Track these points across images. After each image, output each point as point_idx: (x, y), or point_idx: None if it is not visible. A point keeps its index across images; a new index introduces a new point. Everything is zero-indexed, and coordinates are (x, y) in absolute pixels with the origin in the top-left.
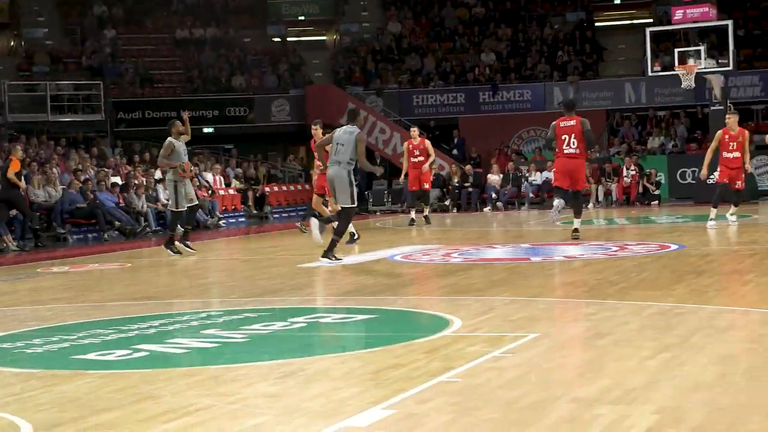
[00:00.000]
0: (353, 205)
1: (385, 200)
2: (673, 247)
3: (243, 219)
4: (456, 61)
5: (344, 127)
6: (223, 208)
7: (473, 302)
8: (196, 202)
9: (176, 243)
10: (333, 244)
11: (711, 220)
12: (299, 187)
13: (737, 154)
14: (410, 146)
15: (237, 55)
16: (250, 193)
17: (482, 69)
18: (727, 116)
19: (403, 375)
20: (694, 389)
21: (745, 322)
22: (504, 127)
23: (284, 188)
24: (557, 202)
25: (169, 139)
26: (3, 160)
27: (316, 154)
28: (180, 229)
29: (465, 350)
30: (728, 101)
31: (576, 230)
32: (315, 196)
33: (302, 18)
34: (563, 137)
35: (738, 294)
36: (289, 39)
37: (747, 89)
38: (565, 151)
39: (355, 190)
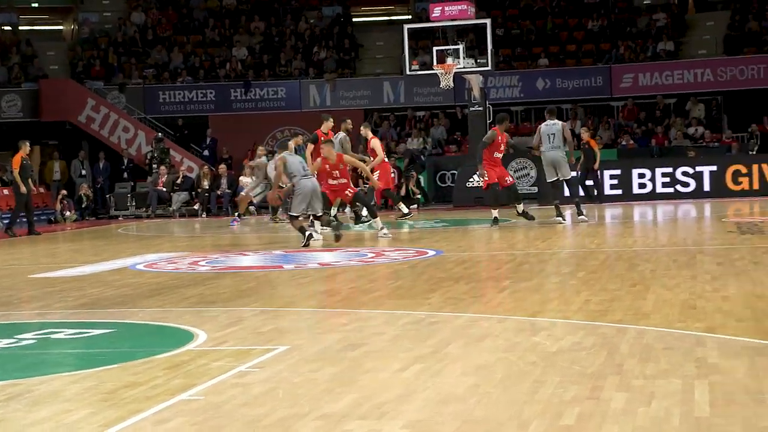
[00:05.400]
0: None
1: (128, 204)
2: (431, 253)
3: None
4: (206, 55)
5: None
6: None
7: (220, 314)
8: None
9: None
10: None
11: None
12: (34, 189)
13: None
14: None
15: None
16: None
17: (234, 64)
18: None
19: (140, 394)
20: (447, 401)
21: (501, 331)
22: (257, 126)
23: None
24: None
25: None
26: None
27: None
28: None
29: (209, 366)
30: (487, 102)
31: None
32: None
33: (36, 5)
34: None
35: (494, 301)
36: (21, 28)
37: (506, 90)
38: None
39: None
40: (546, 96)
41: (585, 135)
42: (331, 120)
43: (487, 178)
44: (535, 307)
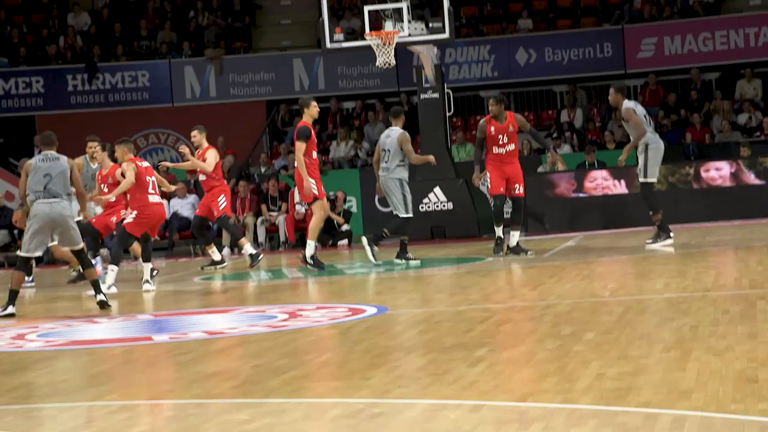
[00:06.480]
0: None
1: None
2: (371, 311)
3: None
4: (28, 26)
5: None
6: None
7: (60, 413)
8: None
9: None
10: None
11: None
12: None
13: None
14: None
15: None
16: None
17: (71, 38)
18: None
19: None
20: None
21: (476, 423)
22: (107, 129)
23: None
24: None
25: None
26: None
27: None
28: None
29: None
30: (445, 85)
31: None
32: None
33: None
34: None
35: (464, 380)
36: None
37: (473, 67)
38: None
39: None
40: (530, 74)
41: None
42: (315, 105)
43: (489, 185)
44: (525, 387)
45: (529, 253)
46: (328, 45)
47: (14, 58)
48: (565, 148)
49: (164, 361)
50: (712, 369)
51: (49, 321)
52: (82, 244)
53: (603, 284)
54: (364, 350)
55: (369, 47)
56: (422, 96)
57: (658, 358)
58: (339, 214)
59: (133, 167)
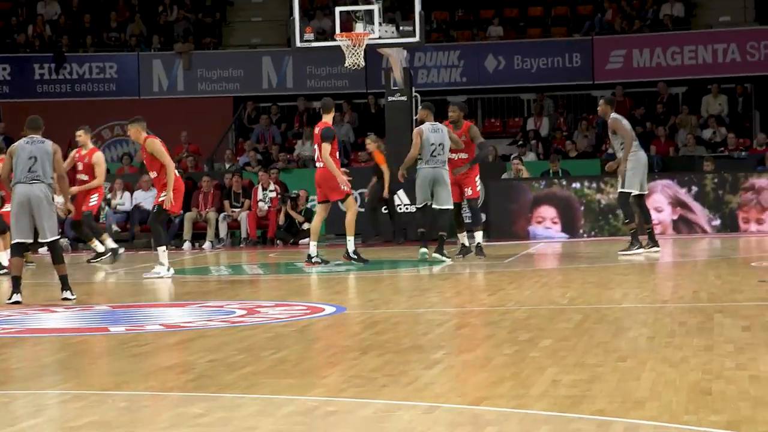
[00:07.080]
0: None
1: None
2: (329, 309)
3: None
4: None
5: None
6: None
7: (11, 400)
8: None
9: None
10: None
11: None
12: None
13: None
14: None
15: None
16: None
17: (38, 28)
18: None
19: None
20: None
21: (429, 425)
22: (73, 120)
23: None
24: None
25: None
26: None
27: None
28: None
29: None
30: (413, 89)
31: None
32: None
33: None
34: None
35: (420, 381)
36: None
37: (442, 72)
38: None
39: None
40: (499, 81)
41: (371, 146)
42: (332, 107)
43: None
44: (479, 391)
45: (482, 258)
46: (298, 44)
47: None
48: (530, 156)
49: (119, 352)
50: (667, 379)
51: (4, 308)
52: (57, 236)
53: (562, 292)
54: (320, 349)
55: (338, 48)
56: (390, 99)
57: (613, 367)
58: (300, 213)
59: (158, 143)
